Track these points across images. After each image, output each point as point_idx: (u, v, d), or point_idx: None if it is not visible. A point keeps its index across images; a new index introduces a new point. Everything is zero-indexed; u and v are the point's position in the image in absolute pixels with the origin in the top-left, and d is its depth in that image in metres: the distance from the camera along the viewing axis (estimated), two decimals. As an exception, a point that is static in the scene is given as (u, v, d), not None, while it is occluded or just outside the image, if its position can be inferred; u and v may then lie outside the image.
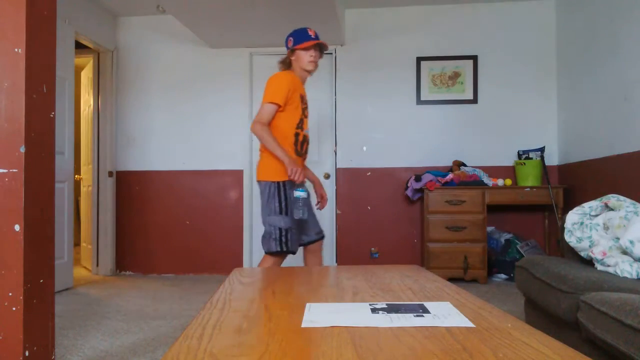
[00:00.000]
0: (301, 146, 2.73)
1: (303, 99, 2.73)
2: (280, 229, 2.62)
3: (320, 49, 2.73)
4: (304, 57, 2.69)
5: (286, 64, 2.76)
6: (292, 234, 2.65)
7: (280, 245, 2.61)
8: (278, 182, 2.64)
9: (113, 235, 4.73)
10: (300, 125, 2.69)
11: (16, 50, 1.58)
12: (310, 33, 2.70)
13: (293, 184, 2.66)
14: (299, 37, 2.70)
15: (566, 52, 4.28)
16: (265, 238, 2.64)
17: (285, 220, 2.65)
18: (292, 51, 2.71)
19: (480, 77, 4.53)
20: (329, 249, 4.69)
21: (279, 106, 2.58)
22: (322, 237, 2.85)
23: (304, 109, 2.73)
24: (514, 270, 2.99)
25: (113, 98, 4.76)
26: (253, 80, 4.76)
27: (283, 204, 2.65)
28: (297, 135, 2.69)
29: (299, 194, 2.60)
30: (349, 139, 4.63)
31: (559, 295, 1.84)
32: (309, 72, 2.75)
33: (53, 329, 1.72)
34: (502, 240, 4.26)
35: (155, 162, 4.78)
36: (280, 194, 2.65)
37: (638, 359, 1.29)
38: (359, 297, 1.31)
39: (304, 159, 2.82)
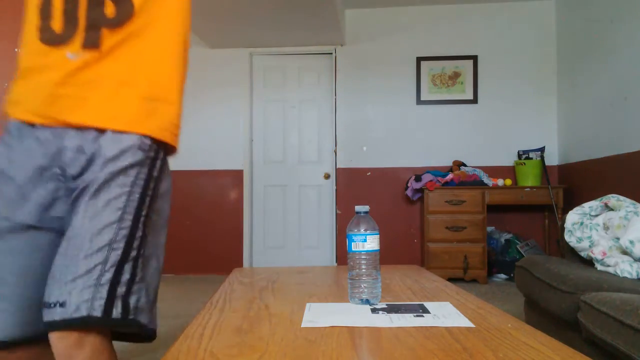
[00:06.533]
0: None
1: None
2: None
3: None
4: None
5: None
6: None
7: None
8: None
9: (113, 235, 4.73)
10: None
11: (16, 50, 1.58)
12: None
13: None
14: None
15: (566, 52, 4.28)
16: None
17: None
18: None
19: (480, 77, 4.53)
20: (329, 249, 4.69)
21: None
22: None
23: None
24: (514, 270, 2.99)
25: (113, 98, 4.75)
26: (253, 80, 4.76)
27: None
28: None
29: None
30: (349, 139, 4.63)
31: (559, 295, 1.84)
32: None
33: (53, 329, 1.71)
34: (502, 240, 4.26)
35: (155, 162, 4.77)
36: None
37: (638, 359, 1.29)
38: (359, 297, 1.31)
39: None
